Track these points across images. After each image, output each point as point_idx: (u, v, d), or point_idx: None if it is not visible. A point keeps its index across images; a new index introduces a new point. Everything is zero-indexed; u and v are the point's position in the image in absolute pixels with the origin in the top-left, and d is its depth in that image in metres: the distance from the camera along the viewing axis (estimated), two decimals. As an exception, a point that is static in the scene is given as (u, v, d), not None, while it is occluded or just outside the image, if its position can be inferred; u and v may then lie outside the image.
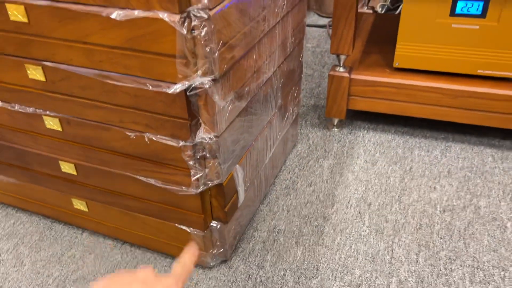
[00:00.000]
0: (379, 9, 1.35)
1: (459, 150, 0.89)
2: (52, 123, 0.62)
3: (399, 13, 1.31)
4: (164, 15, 0.44)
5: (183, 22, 0.44)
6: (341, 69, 0.89)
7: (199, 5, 0.44)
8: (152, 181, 0.60)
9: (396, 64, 0.89)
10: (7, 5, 0.52)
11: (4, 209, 0.81)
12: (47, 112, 0.61)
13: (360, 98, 0.91)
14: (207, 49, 0.47)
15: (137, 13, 0.46)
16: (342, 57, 0.89)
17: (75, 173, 0.66)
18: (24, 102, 0.62)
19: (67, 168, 0.66)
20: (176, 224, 0.64)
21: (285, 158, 0.88)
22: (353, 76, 0.89)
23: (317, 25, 1.41)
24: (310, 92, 1.10)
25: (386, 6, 1.35)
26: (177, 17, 0.44)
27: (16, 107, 0.63)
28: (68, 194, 0.70)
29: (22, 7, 0.51)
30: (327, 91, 0.91)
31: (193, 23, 0.45)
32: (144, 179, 0.61)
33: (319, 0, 1.46)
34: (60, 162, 0.66)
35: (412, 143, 0.91)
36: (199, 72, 0.48)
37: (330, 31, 1.39)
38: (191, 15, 0.45)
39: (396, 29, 0.85)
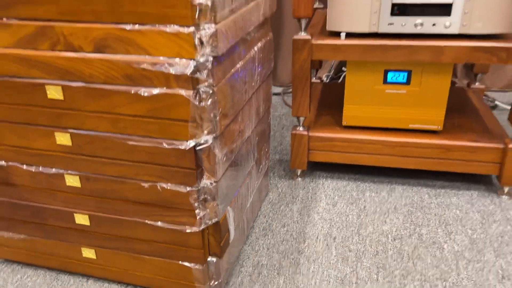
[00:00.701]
0: (324, 79, 1.59)
1: (401, 190, 1.08)
2: (72, 181, 0.73)
3: (342, 81, 1.55)
4: (181, 91, 0.60)
5: (195, 96, 0.60)
6: (301, 129, 1.08)
7: (206, 83, 0.61)
8: (159, 223, 0.72)
9: (344, 123, 1.09)
10: (46, 86, 0.66)
11: (10, 265, 0.89)
12: (69, 171, 0.73)
13: (318, 152, 1.09)
14: (211, 115, 0.62)
15: (159, 90, 0.61)
16: (301, 119, 1.07)
17: (88, 223, 0.77)
18: (48, 164, 0.73)
19: (81, 219, 0.77)
20: (180, 261, 0.76)
21: (260, 205, 1.02)
22: (311, 134, 1.07)
23: (274, 93, 1.63)
24: (274, 149, 1.27)
25: (331, 76, 1.60)
26: (191, 92, 0.60)
27: (40, 169, 0.74)
28: (78, 244, 0.80)
29: (60, 87, 0.65)
30: (291, 147, 1.09)
31: (201, 96, 0.61)
32: (152, 222, 0.73)
33: (273, 72, 1.69)
34: (75, 215, 0.77)
35: (363, 187, 1.09)
36: (205, 132, 0.63)
37: (285, 97, 1.60)
38: (201, 91, 0.61)
39: (341, 94, 1.06)
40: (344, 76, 1.55)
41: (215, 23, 0.58)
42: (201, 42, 0.58)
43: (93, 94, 0.64)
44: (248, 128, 0.82)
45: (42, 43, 0.63)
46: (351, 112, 1.07)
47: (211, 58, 0.59)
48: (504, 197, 1.03)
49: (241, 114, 0.75)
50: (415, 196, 1.05)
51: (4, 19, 0.64)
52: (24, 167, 0.75)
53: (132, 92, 0.62)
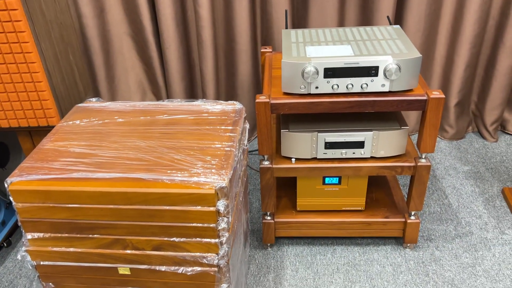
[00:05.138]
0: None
1: (340, 250, 1.55)
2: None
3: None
4: (208, 269, 1.01)
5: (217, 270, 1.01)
6: (269, 218, 1.51)
7: (223, 261, 1.01)
8: None
9: (298, 209, 1.53)
10: (119, 268, 1.03)
11: None
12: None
13: (282, 230, 1.53)
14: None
15: (191, 270, 1.01)
16: (268, 213, 1.50)
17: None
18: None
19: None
20: None
21: (246, 279, 1.46)
22: (276, 220, 1.51)
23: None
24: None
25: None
26: (215, 269, 1.01)
27: None
28: None
29: (128, 268, 1.03)
30: (262, 231, 1.52)
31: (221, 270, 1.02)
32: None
33: (234, 135, 2.08)
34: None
35: (315, 250, 1.55)
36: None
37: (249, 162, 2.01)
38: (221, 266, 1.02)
39: (293, 185, 1.49)
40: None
41: (229, 232, 0.98)
42: (221, 243, 0.98)
43: (151, 270, 1.03)
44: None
45: (116, 246, 1.00)
46: (302, 202, 1.51)
47: (227, 249, 1.00)
48: (407, 250, 1.54)
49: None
50: (350, 255, 1.53)
51: (90, 235, 1.00)
52: (98, 305, 1.13)
53: (177, 271, 1.02)
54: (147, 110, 1.20)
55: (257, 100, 1.25)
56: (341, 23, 1.89)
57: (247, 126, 1.21)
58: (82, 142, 1.07)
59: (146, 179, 0.93)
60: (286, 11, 1.51)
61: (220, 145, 1.04)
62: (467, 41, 1.85)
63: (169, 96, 2.00)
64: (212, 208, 0.92)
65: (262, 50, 1.60)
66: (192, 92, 2.06)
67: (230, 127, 1.12)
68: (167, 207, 0.93)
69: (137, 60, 1.99)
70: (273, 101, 1.28)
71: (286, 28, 1.50)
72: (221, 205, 0.92)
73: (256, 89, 2.05)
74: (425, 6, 1.84)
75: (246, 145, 1.24)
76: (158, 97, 2.08)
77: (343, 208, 1.52)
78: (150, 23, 1.86)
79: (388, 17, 1.53)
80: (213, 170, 0.95)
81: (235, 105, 1.22)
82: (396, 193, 1.61)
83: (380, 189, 1.63)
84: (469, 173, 1.90)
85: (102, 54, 1.88)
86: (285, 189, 1.65)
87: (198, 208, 0.92)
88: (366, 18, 1.86)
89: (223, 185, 0.91)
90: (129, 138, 1.08)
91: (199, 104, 1.22)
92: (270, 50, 1.60)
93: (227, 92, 2.06)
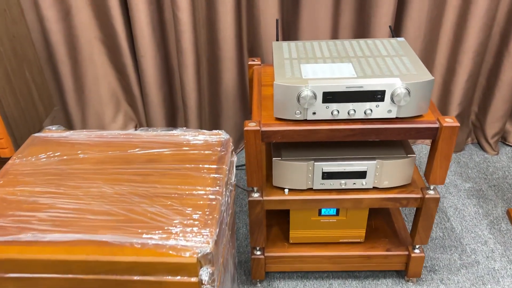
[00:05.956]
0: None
1: (337, 285, 1.41)
2: None
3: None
4: None
5: None
6: (258, 253, 1.35)
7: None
8: None
9: (291, 241, 1.37)
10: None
11: None
12: None
13: (272, 265, 1.38)
14: None
15: None
16: (258, 248, 1.34)
17: None
18: None
19: None
20: None
21: (233, 323, 1.30)
22: (266, 255, 1.35)
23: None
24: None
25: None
26: None
27: None
28: None
29: None
30: (251, 267, 1.36)
31: None
32: None
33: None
34: None
35: (309, 285, 1.41)
36: None
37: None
38: None
39: (284, 215, 1.33)
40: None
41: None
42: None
43: None
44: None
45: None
46: (296, 234, 1.36)
47: None
48: (410, 284, 1.40)
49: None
50: (347, 291, 1.39)
51: None
52: None
53: None
54: (116, 143, 1.01)
55: (245, 128, 1.08)
56: (336, 28, 1.72)
57: (235, 159, 1.04)
58: (37, 188, 0.88)
59: (112, 243, 0.76)
60: (277, 20, 1.33)
61: (203, 191, 0.87)
62: (471, 49, 1.71)
63: (145, 106, 1.81)
64: (193, 279, 0.75)
65: (249, 63, 1.42)
66: (172, 102, 1.87)
67: (215, 166, 0.95)
68: (138, 278, 0.76)
69: (109, 67, 1.78)
70: (264, 129, 1.11)
71: (277, 39, 1.32)
72: (204, 274, 0.75)
73: (243, 99, 1.87)
74: (426, 12, 1.68)
75: (234, 180, 1.07)
76: (133, 108, 1.89)
77: (341, 240, 1.37)
78: (123, 28, 1.66)
79: (390, 27, 1.37)
80: (194, 229, 0.78)
81: (221, 135, 1.05)
82: (397, 220, 1.47)
83: (379, 216, 1.48)
84: (471, 191, 1.77)
85: (69, 62, 1.67)
86: (277, 216, 1.49)
87: (177, 278, 0.75)
88: (362, 23, 1.69)
89: (207, 250, 0.75)
90: (94, 181, 0.90)
91: (178, 134, 1.04)
92: (259, 62, 1.42)
93: (210, 102, 1.88)
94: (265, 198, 1.23)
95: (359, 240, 1.37)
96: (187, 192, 0.87)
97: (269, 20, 1.66)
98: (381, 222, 1.46)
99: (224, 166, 0.94)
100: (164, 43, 1.72)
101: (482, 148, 2.00)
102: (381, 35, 1.67)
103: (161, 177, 0.91)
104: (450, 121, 1.09)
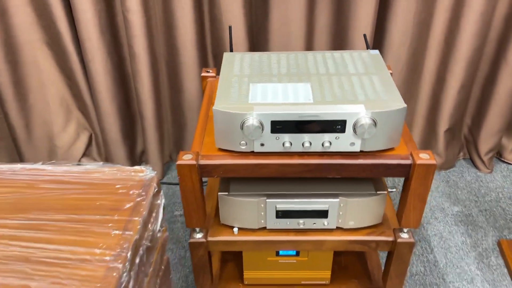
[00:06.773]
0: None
1: (299, 331, 1.23)
2: None
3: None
4: None
5: None
6: (207, 295, 1.17)
7: None
8: None
9: (246, 282, 1.20)
10: None
11: None
12: None
13: (224, 309, 1.20)
14: None
15: None
16: (206, 288, 1.16)
17: None
18: None
19: None
20: None
21: None
22: (216, 298, 1.18)
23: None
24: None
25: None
26: None
27: None
28: None
29: None
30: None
31: None
32: None
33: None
34: None
35: (267, 330, 1.23)
36: None
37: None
38: None
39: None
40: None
41: None
42: None
43: None
44: None
45: None
46: (250, 276, 1.18)
47: None
48: (382, 331, 1.23)
49: None
50: (310, 338, 1.21)
51: None
52: None
53: None
54: (12, 181, 0.83)
55: (178, 162, 0.90)
56: (310, 31, 1.51)
57: (162, 202, 0.86)
58: None
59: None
60: (230, 27, 1.13)
61: (99, 257, 0.68)
62: (463, 56, 1.51)
63: (98, 116, 1.62)
64: None
65: (202, 74, 1.22)
66: (129, 112, 1.68)
67: (126, 218, 0.76)
68: None
69: (57, 72, 1.59)
70: (202, 162, 0.92)
71: (231, 50, 1.12)
72: None
73: (207, 109, 1.68)
74: (413, 15, 1.48)
75: (161, 227, 0.88)
76: (86, 115, 1.70)
77: (303, 282, 1.19)
78: (68, 29, 1.47)
79: (365, 35, 1.17)
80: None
81: (144, 173, 0.87)
82: (370, 257, 1.28)
83: (350, 252, 1.30)
84: (459, 216, 1.59)
85: (7, 66, 1.48)
86: (231, 258, 1.31)
87: None
88: (340, 26, 1.49)
89: None
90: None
91: (91, 171, 0.86)
92: (213, 74, 1.23)
93: (172, 112, 1.69)
94: (210, 238, 1.04)
95: (324, 282, 1.19)
96: (80, 257, 0.68)
97: (234, 22, 1.46)
98: (352, 259, 1.28)
99: (136, 219, 0.76)
100: (117, 47, 1.53)
101: (474, 165, 1.81)
102: (361, 40, 1.47)
103: (55, 233, 0.73)
104: (425, 157, 0.90)
